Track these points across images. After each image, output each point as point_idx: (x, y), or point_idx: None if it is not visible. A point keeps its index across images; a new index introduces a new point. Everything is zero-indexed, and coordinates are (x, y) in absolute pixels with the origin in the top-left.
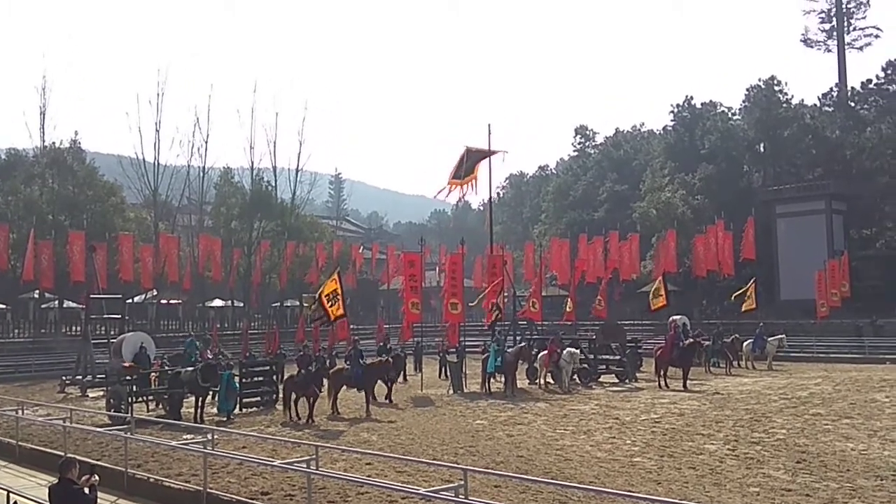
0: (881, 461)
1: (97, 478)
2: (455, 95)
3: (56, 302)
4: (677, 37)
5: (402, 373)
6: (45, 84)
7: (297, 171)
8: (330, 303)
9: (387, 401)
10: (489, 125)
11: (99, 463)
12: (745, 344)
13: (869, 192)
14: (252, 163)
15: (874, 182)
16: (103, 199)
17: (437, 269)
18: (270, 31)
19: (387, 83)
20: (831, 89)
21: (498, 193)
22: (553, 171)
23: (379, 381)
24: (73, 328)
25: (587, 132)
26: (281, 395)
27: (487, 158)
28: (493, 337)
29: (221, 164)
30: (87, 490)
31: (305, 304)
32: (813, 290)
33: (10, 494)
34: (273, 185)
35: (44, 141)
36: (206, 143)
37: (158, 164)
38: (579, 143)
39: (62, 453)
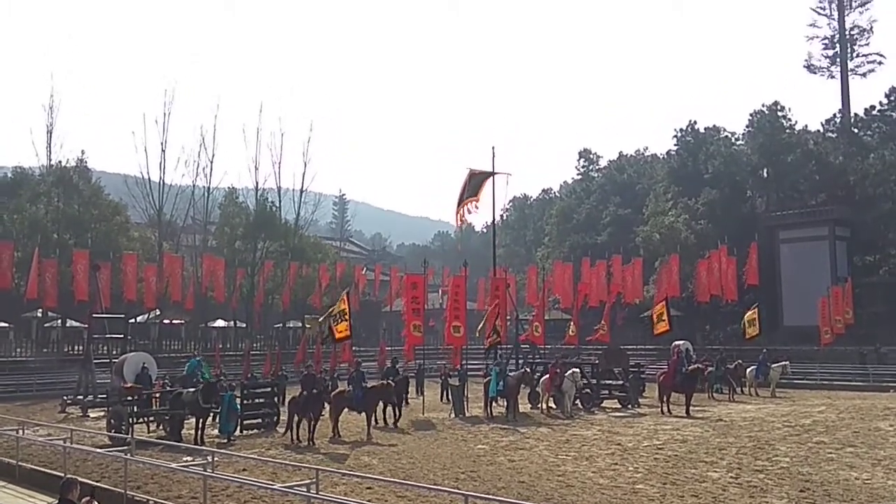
0: (885, 490)
1: (96, 503)
2: (459, 118)
3: (59, 321)
4: (681, 61)
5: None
6: (52, 103)
7: (301, 191)
8: (336, 322)
9: (393, 426)
10: (493, 147)
11: (98, 484)
12: (748, 370)
13: (872, 218)
14: (257, 183)
15: (877, 208)
16: (108, 219)
17: (440, 291)
18: (278, 51)
19: (392, 105)
20: (834, 115)
21: (501, 216)
22: (556, 194)
23: (382, 403)
24: (76, 347)
25: (591, 155)
26: (282, 417)
27: (491, 179)
28: (494, 360)
29: (226, 185)
30: None
31: (308, 326)
32: (816, 317)
33: None
34: (277, 205)
35: (50, 159)
36: (212, 163)
37: (164, 183)
38: (583, 167)
39: (62, 474)
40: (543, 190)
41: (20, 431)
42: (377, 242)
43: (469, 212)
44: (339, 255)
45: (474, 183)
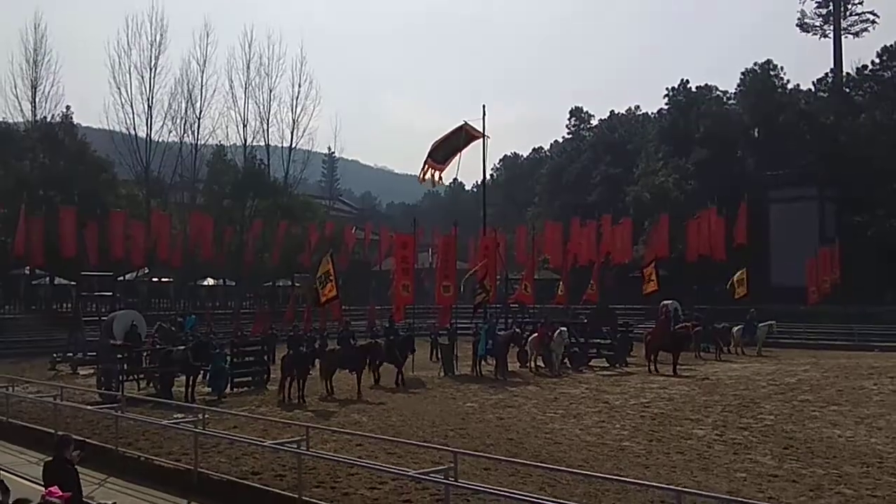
0: (868, 448)
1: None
2: (449, 74)
3: (47, 278)
4: (674, 19)
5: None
6: (36, 57)
7: (290, 149)
8: (321, 284)
9: (396, 384)
10: (483, 106)
11: (89, 441)
12: (735, 330)
13: (862, 179)
14: (245, 140)
15: (867, 169)
16: (95, 175)
17: (430, 250)
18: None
19: (381, 60)
20: (826, 75)
21: (492, 175)
22: (547, 153)
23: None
24: (64, 305)
25: (582, 114)
26: (273, 375)
27: (469, 145)
28: (484, 320)
29: (214, 141)
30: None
31: (297, 284)
32: (804, 277)
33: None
34: (266, 163)
35: (35, 115)
36: (199, 119)
37: (151, 139)
38: (574, 126)
39: (52, 430)
40: (534, 149)
41: (10, 388)
42: (367, 201)
43: (433, 178)
44: (329, 214)
45: (453, 145)
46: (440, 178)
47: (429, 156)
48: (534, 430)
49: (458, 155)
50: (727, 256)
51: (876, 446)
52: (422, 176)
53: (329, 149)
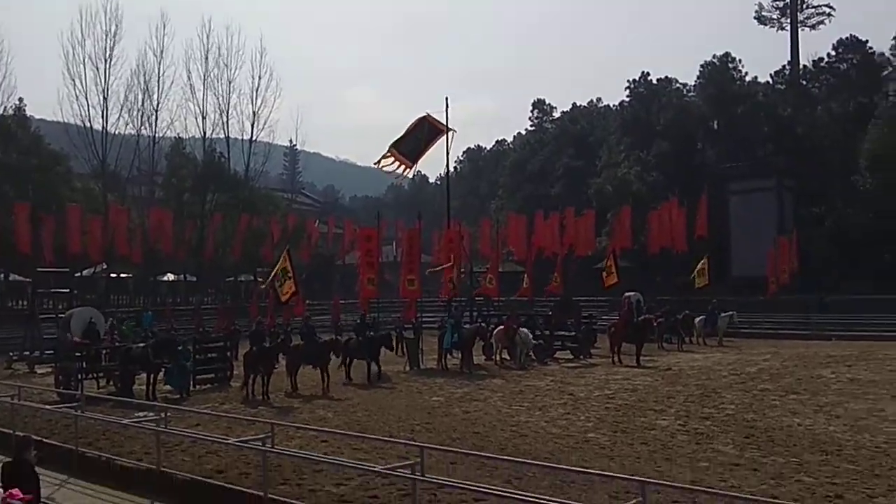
0: (826, 436)
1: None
2: (413, 64)
3: (1, 275)
4: (635, 10)
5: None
6: None
7: (250, 141)
8: (280, 283)
9: (368, 381)
10: (447, 98)
11: (48, 441)
12: (696, 320)
13: (819, 170)
14: (204, 133)
15: (824, 160)
16: (49, 169)
17: (395, 243)
18: None
19: (343, 49)
20: (784, 67)
21: (455, 167)
22: (510, 146)
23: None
24: (20, 302)
25: (545, 106)
26: (236, 372)
27: (435, 143)
28: (449, 313)
29: (173, 134)
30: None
31: (261, 280)
32: (764, 267)
33: None
34: (226, 156)
35: None
36: (157, 111)
37: (107, 132)
38: (537, 118)
39: (10, 431)
40: (497, 141)
41: None
42: (330, 194)
43: (399, 170)
44: (291, 207)
45: (418, 138)
46: (405, 171)
47: (392, 146)
48: (500, 423)
49: (425, 152)
50: (689, 248)
51: (835, 434)
52: (382, 162)
53: (290, 141)
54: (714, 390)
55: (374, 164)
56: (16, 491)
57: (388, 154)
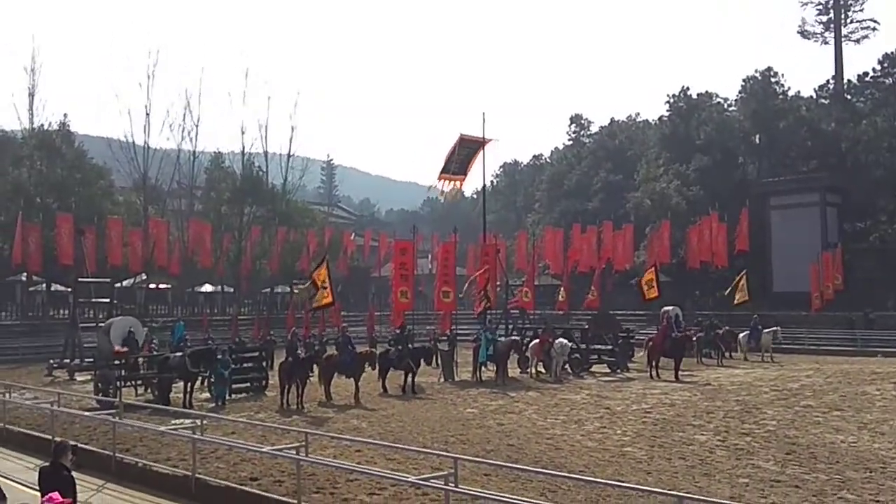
0: (871, 454)
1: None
2: (449, 81)
3: (44, 285)
4: (675, 25)
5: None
6: (34, 65)
7: (288, 156)
8: (311, 293)
9: (404, 391)
10: (483, 113)
11: (87, 447)
12: (740, 336)
13: (863, 185)
14: (243, 147)
15: (869, 175)
16: (92, 183)
17: (430, 256)
18: (265, 10)
19: (380, 68)
20: (828, 81)
21: (491, 182)
22: (547, 159)
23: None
24: (61, 311)
25: (582, 121)
26: (271, 381)
27: (481, 152)
28: (484, 326)
29: (212, 149)
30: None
31: (296, 291)
32: (806, 283)
33: None
34: (264, 170)
35: (32, 123)
36: (197, 126)
37: (148, 147)
38: (574, 132)
39: (50, 437)
40: (534, 156)
41: (7, 395)
42: (366, 208)
43: (454, 188)
44: (328, 221)
45: (462, 156)
46: (461, 185)
47: (442, 171)
48: (534, 435)
49: (473, 161)
50: (729, 263)
51: (879, 452)
52: (442, 189)
53: (328, 155)
54: (755, 406)
55: (429, 189)
56: (55, 495)
57: (441, 180)
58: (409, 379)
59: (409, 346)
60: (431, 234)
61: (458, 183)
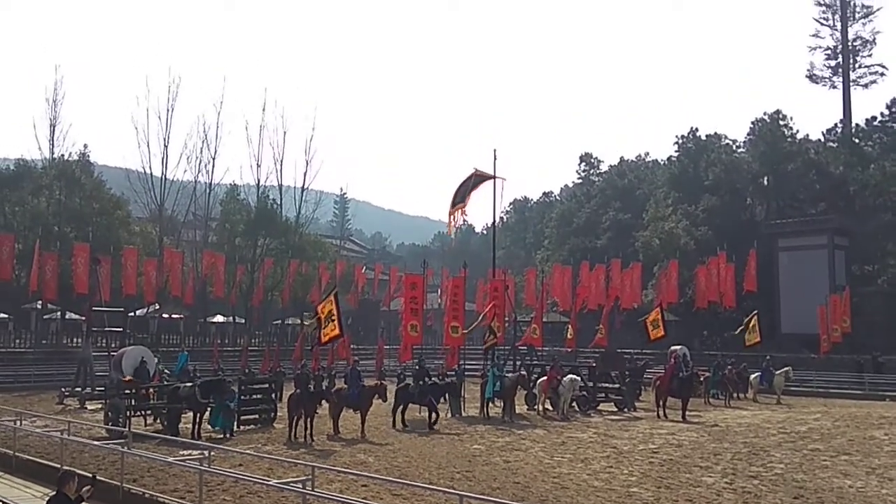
0: (878, 499)
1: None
2: (460, 119)
3: (58, 313)
4: (684, 67)
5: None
6: (55, 96)
7: (303, 189)
8: (325, 324)
9: (431, 428)
10: (495, 150)
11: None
12: (752, 377)
13: (871, 228)
14: (258, 180)
15: (877, 219)
16: (109, 213)
17: (439, 291)
18: (280, 49)
19: (393, 104)
20: (836, 125)
21: (501, 218)
22: (557, 197)
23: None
24: (75, 340)
25: (592, 160)
26: (279, 414)
27: (481, 186)
28: (492, 362)
29: (228, 181)
30: (80, 498)
31: (306, 324)
32: (814, 325)
33: None
34: (278, 202)
35: (52, 152)
36: (214, 159)
37: (165, 178)
38: (584, 171)
39: (59, 465)
40: (544, 193)
41: (17, 422)
42: (377, 241)
43: (456, 221)
44: (340, 254)
45: (463, 189)
46: (462, 214)
47: (452, 206)
48: (541, 473)
49: (471, 193)
50: (737, 303)
51: (887, 497)
52: (451, 225)
53: (341, 189)
54: (762, 448)
55: (449, 232)
56: None
57: (450, 215)
58: (434, 415)
59: (429, 380)
60: (441, 269)
61: (460, 213)
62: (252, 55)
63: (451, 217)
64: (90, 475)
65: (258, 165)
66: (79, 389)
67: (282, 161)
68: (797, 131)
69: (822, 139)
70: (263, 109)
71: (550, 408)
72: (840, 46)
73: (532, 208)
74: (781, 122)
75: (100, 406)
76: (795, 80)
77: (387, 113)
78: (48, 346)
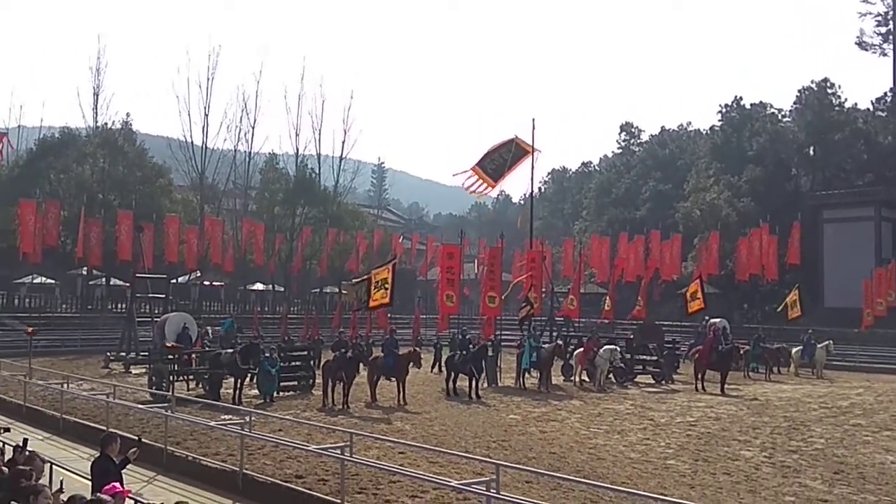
0: None
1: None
2: (500, 88)
3: (103, 279)
4: (728, 35)
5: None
6: (99, 64)
7: (340, 158)
8: (376, 289)
9: (474, 397)
10: (533, 119)
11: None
12: (794, 351)
13: None
14: (297, 149)
15: None
16: (152, 181)
17: (476, 261)
18: (320, 16)
19: (433, 73)
20: (885, 94)
21: (539, 188)
22: (596, 167)
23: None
24: (119, 305)
25: (632, 129)
26: (318, 381)
27: (521, 163)
28: (528, 332)
29: (267, 150)
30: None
31: (345, 292)
32: (858, 299)
33: (53, 466)
34: (317, 172)
35: (96, 121)
36: (253, 128)
37: (206, 147)
38: (624, 141)
39: (104, 427)
40: (583, 163)
41: (65, 385)
42: (414, 211)
43: (481, 188)
44: (377, 223)
45: (504, 158)
46: (487, 190)
47: (477, 164)
48: (577, 444)
49: (511, 170)
50: (779, 276)
51: None
52: (468, 183)
53: (379, 159)
54: (803, 423)
55: (453, 175)
56: (116, 485)
57: (472, 171)
58: (475, 383)
59: (471, 347)
60: (478, 239)
61: (486, 186)
62: (291, 25)
63: (474, 179)
64: (135, 437)
65: (297, 135)
66: (124, 354)
67: (320, 130)
68: (845, 100)
69: (871, 108)
70: (302, 79)
71: (587, 379)
72: (891, 12)
73: (570, 178)
74: (829, 91)
75: (144, 370)
76: (844, 48)
77: (425, 83)
78: (94, 311)
